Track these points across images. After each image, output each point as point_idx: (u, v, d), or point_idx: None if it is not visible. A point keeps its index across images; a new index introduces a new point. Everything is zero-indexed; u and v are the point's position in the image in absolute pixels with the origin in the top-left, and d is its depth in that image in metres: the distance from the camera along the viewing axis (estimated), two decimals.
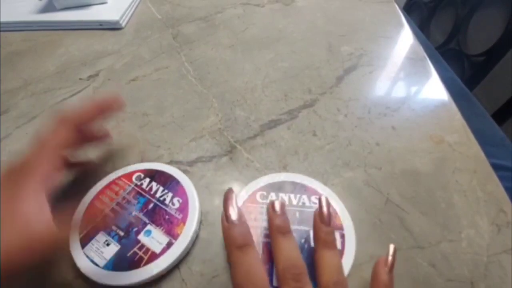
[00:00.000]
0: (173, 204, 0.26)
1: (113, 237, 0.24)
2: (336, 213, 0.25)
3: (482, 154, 0.30)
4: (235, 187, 0.29)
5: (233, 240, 0.19)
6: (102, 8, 0.51)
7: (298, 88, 0.38)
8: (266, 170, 0.30)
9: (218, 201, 0.28)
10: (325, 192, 0.27)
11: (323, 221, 0.20)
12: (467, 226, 0.26)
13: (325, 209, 0.20)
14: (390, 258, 0.20)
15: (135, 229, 0.25)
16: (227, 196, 0.20)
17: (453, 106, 0.35)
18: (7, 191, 0.19)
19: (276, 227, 0.20)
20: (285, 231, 0.20)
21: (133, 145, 0.33)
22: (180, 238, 0.24)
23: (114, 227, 0.25)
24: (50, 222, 0.19)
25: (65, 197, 0.28)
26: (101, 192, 0.27)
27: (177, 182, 0.28)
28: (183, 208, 0.26)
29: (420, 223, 0.26)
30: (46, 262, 0.24)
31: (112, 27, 0.49)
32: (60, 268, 0.24)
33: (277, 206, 0.21)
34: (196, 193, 0.27)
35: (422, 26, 1.12)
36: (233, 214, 0.19)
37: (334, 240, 0.20)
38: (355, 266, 0.23)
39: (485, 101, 0.86)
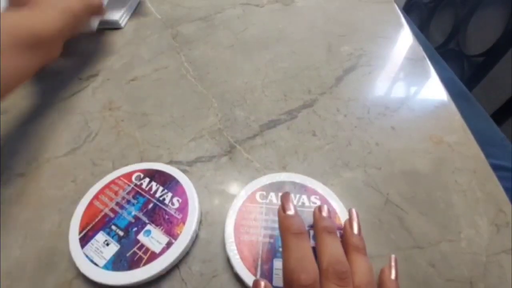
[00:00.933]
0: (172, 204, 0.26)
1: (112, 237, 0.24)
2: (336, 213, 0.26)
3: (481, 154, 0.30)
4: (235, 187, 0.29)
5: (290, 226, 0.20)
6: None
7: (297, 88, 0.38)
8: (265, 170, 0.30)
9: (218, 201, 0.28)
10: (325, 192, 0.27)
11: (354, 229, 0.22)
12: (466, 226, 0.26)
13: (355, 220, 0.22)
14: (393, 266, 0.21)
15: (135, 229, 0.25)
16: (285, 194, 0.22)
17: (453, 107, 0.35)
18: None
19: (323, 227, 0.21)
20: (332, 230, 0.21)
21: (132, 145, 0.33)
22: (179, 238, 0.24)
23: (113, 227, 0.25)
24: None
25: None
26: (100, 192, 0.27)
27: (177, 182, 0.28)
28: (183, 208, 0.26)
29: (420, 223, 0.26)
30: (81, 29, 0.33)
31: (112, 26, 0.49)
32: (60, 268, 0.24)
33: (325, 211, 0.22)
34: (196, 193, 0.27)
35: (422, 27, 1.13)
36: (291, 207, 0.21)
37: (364, 246, 0.21)
38: None
39: (485, 101, 0.86)
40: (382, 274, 0.21)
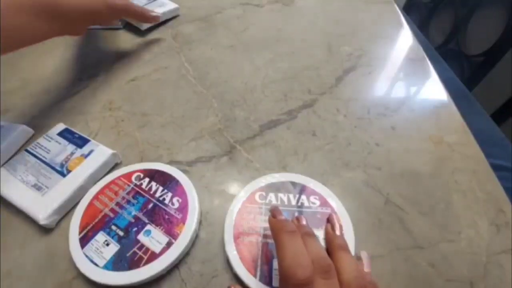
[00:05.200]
0: (172, 204, 0.26)
1: (112, 237, 0.24)
2: (335, 213, 0.26)
3: (481, 154, 0.30)
4: (235, 187, 0.29)
5: (283, 226, 0.21)
6: None
7: (297, 88, 0.38)
8: (265, 170, 0.30)
9: (218, 201, 0.28)
10: (325, 192, 0.27)
11: (336, 231, 0.24)
12: (466, 226, 0.26)
13: (336, 223, 0.24)
14: (366, 259, 0.23)
15: (135, 229, 0.25)
16: (274, 206, 0.24)
17: (453, 106, 0.35)
18: None
19: (304, 233, 0.22)
20: (311, 234, 0.22)
21: (132, 145, 0.33)
22: (179, 238, 0.24)
23: (113, 227, 0.25)
24: None
25: None
26: (100, 192, 0.27)
27: (177, 182, 0.28)
28: (183, 208, 0.26)
29: (420, 223, 0.26)
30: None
31: (111, 27, 0.49)
32: (60, 268, 0.24)
33: (303, 220, 0.24)
34: (196, 193, 0.27)
35: (422, 27, 1.13)
36: (282, 214, 0.23)
37: (347, 244, 0.23)
38: None
39: (485, 101, 0.86)
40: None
